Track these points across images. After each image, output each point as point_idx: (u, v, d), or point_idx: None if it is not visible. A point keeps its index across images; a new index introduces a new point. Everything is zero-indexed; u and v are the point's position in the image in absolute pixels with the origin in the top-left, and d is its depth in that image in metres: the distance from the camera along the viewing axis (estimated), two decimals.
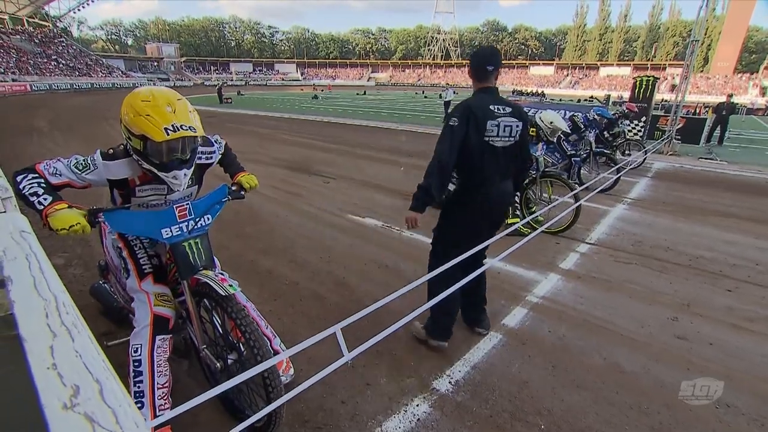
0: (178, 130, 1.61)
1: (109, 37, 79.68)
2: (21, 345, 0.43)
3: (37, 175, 1.68)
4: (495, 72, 2.38)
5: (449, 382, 2.32)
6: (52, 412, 0.38)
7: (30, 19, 52.56)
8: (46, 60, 47.06)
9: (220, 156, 2.18)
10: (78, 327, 0.48)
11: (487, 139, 2.31)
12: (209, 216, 1.93)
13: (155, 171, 1.72)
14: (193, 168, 1.85)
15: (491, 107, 2.32)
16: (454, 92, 21.02)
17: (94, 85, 46.31)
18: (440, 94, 25.72)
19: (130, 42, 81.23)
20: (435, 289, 2.27)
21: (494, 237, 2.39)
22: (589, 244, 4.48)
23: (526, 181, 4.98)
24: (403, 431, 1.98)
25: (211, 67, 79.61)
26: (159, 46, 72.02)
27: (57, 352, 0.43)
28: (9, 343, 0.45)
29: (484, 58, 2.36)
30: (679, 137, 11.01)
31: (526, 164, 2.76)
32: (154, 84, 54.84)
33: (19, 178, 1.64)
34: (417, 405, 2.14)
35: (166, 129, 1.58)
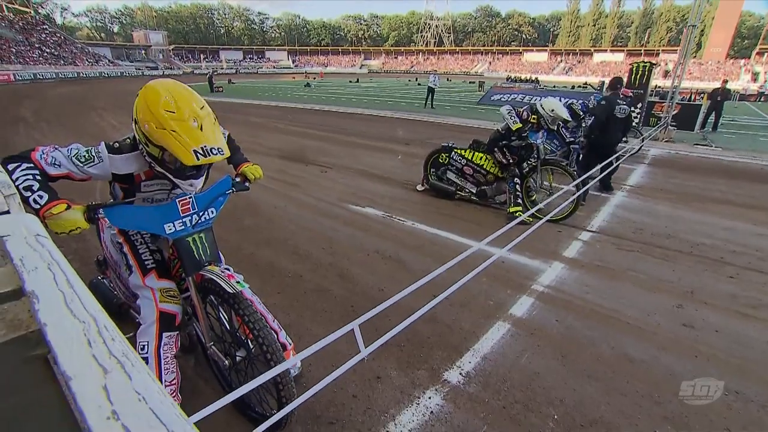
0: (209, 155, 1.48)
1: (94, 24, 77.44)
2: (67, 384, 0.36)
3: (32, 165, 1.53)
4: (621, 87, 5.86)
5: (460, 374, 2.30)
6: None
7: (9, 5, 50.71)
8: (29, 48, 45.72)
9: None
10: (131, 359, 0.41)
11: (615, 113, 5.45)
12: (213, 209, 1.87)
13: (170, 177, 1.65)
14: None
15: (618, 100, 5.55)
16: (446, 78, 20.62)
17: (81, 74, 45.12)
18: (417, 80, 24.84)
19: (116, 29, 78.95)
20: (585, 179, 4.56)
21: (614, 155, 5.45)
22: (591, 231, 4.47)
23: (527, 169, 4.96)
24: (417, 424, 1.96)
25: (201, 55, 77.94)
26: (146, 33, 70.19)
27: (114, 394, 0.36)
28: (40, 363, 0.39)
29: (618, 81, 5.82)
30: (674, 123, 11.01)
31: (628, 126, 5.97)
32: (143, 73, 53.79)
33: (11, 167, 1.50)
34: (429, 397, 2.12)
35: (195, 152, 1.46)
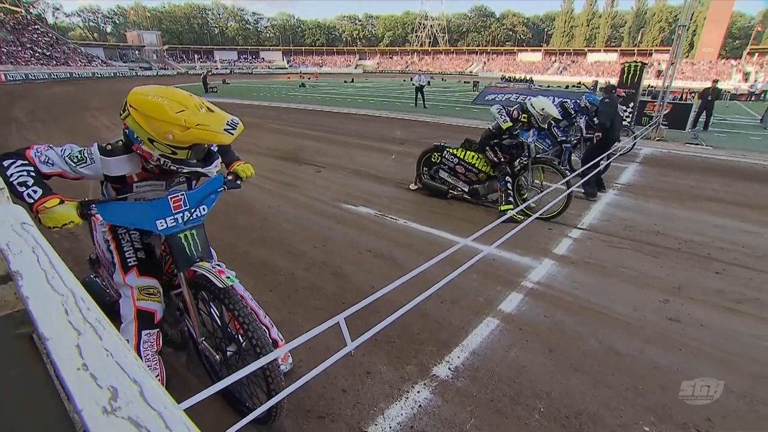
0: (235, 126, 1.59)
1: (86, 24, 76.83)
2: (44, 344, 0.40)
3: (26, 162, 1.56)
4: (616, 90, 7.65)
5: (449, 368, 2.34)
6: (93, 417, 0.36)
7: None
8: (20, 48, 45.34)
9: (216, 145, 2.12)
10: (103, 324, 0.45)
11: (618, 110, 6.04)
12: (205, 206, 1.89)
13: (200, 170, 1.71)
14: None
15: (618, 102, 6.89)
16: (441, 78, 20.77)
17: (73, 75, 44.81)
18: (411, 80, 24.81)
19: (109, 29, 78.39)
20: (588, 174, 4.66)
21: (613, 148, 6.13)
22: (582, 229, 4.53)
23: (518, 167, 5.01)
24: (405, 418, 1.99)
25: (195, 55, 77.61)
26: (140, 33, 69.78)
27: (85, 351, 0.41)
28: (25, 341, 0.42)
29: (613, 87, 7.15)
30: (666, 123, 11.14)
31: (622, 121, 7.55)
32: (136, 73, 53.43)
33: (6, 163, 1.54)
34: (418, 392, 2.16)
35: (226, 130, 1.56)
